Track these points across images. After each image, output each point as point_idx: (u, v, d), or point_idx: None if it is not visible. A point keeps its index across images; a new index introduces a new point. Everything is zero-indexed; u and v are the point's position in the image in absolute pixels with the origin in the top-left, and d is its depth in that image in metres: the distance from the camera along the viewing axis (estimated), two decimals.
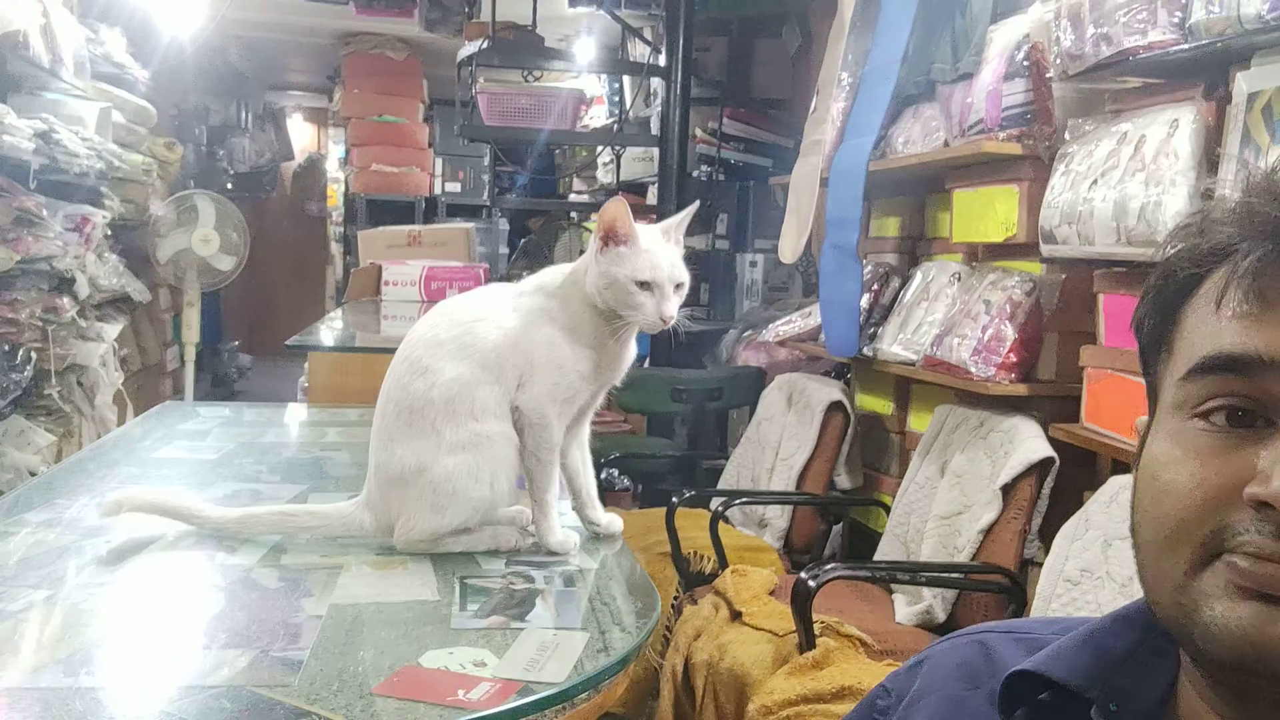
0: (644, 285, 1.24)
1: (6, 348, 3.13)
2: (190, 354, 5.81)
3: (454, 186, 6.56)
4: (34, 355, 3.18)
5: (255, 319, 8.73)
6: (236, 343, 7.86)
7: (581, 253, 4.51)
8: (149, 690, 0.84)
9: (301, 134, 9.79)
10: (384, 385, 1.28)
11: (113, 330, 4.01)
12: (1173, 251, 0.62)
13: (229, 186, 7.74)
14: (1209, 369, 0.57)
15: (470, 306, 1.29)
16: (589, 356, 1.27)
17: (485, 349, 1.24)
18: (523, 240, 5.17)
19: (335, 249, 9.98)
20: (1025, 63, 2.36)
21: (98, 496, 1.39)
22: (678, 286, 1.27)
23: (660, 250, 1.26)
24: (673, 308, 1.26)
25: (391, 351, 2.41)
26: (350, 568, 1.17)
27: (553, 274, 1.33)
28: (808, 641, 2.09)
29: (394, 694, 0.85)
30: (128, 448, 1.74)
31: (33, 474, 3.02)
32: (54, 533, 1.26)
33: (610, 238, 1.25)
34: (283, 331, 9.82)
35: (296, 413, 2.16)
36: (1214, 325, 0.57)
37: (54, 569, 1.13)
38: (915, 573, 2.30)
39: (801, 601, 2.09)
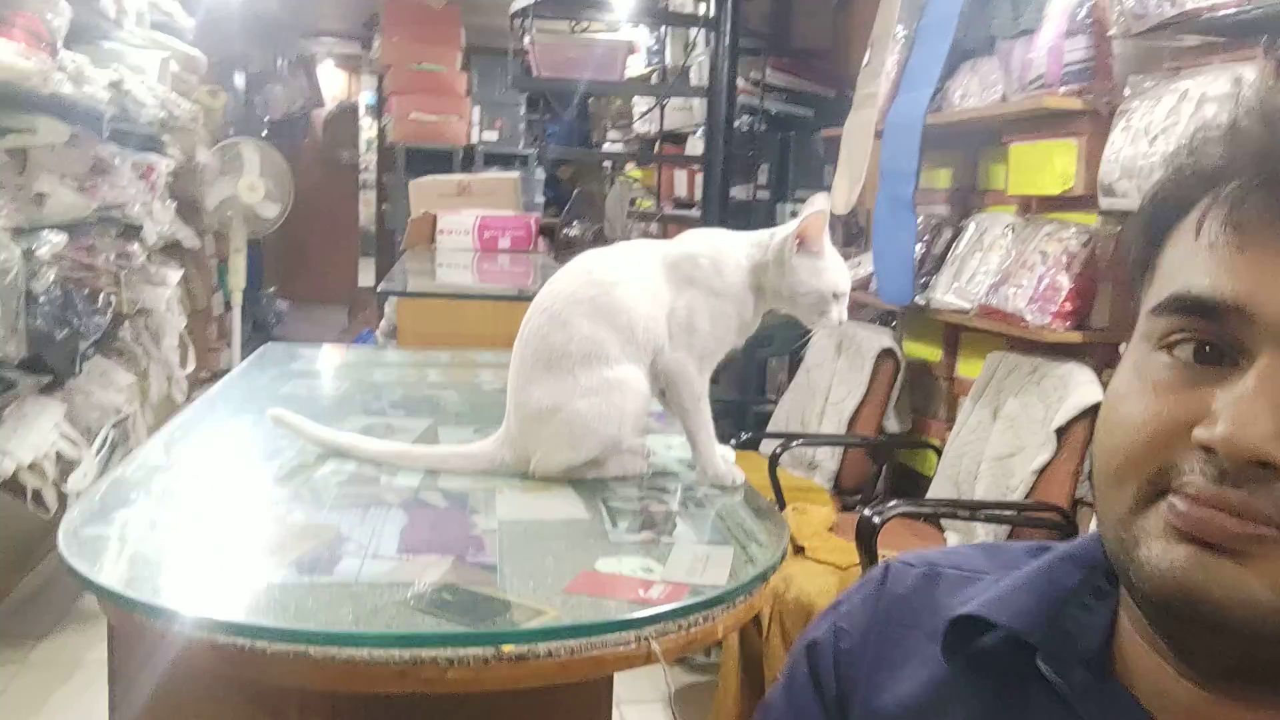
0: (837, 296, 1.35)
1: (86, 292, 3.25)
2: (237, 299, 5.94)
3: (491, 135, 6.62)
4: (112, 299, 3.31)
5: (290, 266, 8.85)
6: (274, 288, 7.99)
7: (632, 202, 4.56)
8: (379, 586, 0.97)
9: (332, 81, 9.83)
10: (522, 331, 1.38)
11: (175, 275, 4.13)
12: (1167, 174, 0.59)
13: (264, 134, 7.82)
14: (1176, 308, 0.55)
15: (611, 267, 1.37)
16: (726, 325, 1.37)
17: (620, 312, 1.33)
18: (575, 191, 5.25)
19: (363, 197, 10.06)
20: (1087, 20, 2.43)
21: (251, 429, 1.52)
22: None
23: (838, 256, 1.37)
24: (845, 312, 1.37)
25: (477, 298, 2.53)
26: (502, 490, 1.29)
27: (703, 243, 1.40)
28: None
29: (585, 591, 0.98)
30: (253, 386, 1.87)
31: (118, 411, 3.17)
32: (230, 459, 1.39)
33: (804, 243, 1.33)
34: (316, 278, 9.87)
35: (391, 355, 2.28)
36: (1190, 258, 0.55)
37: (244, 489, 1.26)
38: (975, 510, 2.43)
39: (867, 536, 2.21)
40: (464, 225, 3.99)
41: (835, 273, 1.34)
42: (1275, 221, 0.52)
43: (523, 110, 6.76)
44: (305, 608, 0.92)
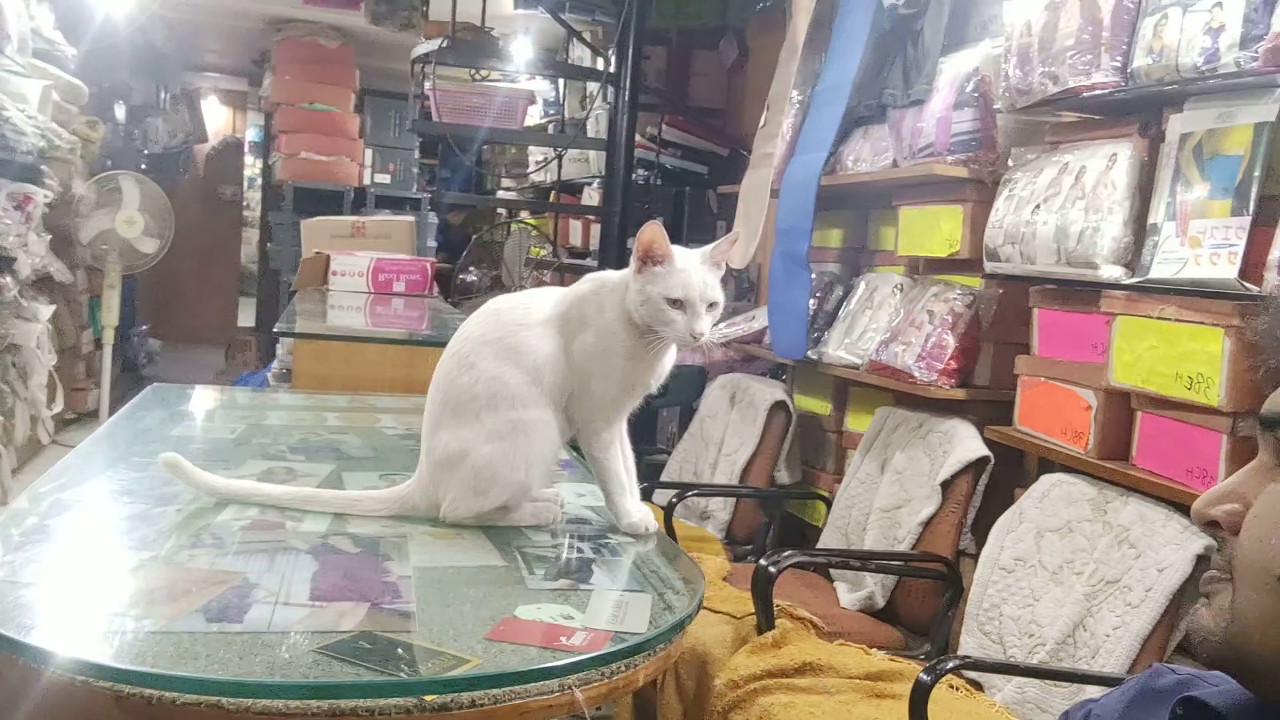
0: (676, 303, 1.31)
1: None
2: (109, 337, 5.70)
3: (384, 178, 6.56)
4: None
5: (164, 304, 8.54)
6: (145, 327, 7.70)
7: (531, 250, 4.59)
8: (293, 635, 0.94)
9: (215, 116, 9.61)
10: (435, 376, 1.38)
11: (46, 311, 3.95)
12: None
13: (143, 167, 7.59)
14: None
15: (516, 311, 1.39)
16: (623, 367, 1.36)
17: (524, 353, 1.34)
18: (472, 236, 5.22)
19: (244, 235, 9.83)
20: (974, 94, 2.57)
21: (143, 472, 1.46)
22: (711, 305, 1.34)
23: (694, 270, 1.33)
24: (703, 325, 1.33)
25: (378, 341, 2.49)
26: (414, 537, 1.27)
27: (592, 283, 1.42)
28: (767, 623, 2.24)
29: (506, 639, 0.97)
30: (142, 429, 1.80)
31: None
32: (125, 503, 1.33)
33: (648, 258, 1.33)
34: (191, 317, 9.53)
35: (286, 398, 2.22)
36: None
37: (142, 534, 1.21)
38: (866, 560, 2.49)
39: (762, 586, 2.24)
40: (358, 267, 3.93)
41: (674, 278, 1.31)
42: None
43: (416, 154, 6.73)
44: (216, 657, 0.89)
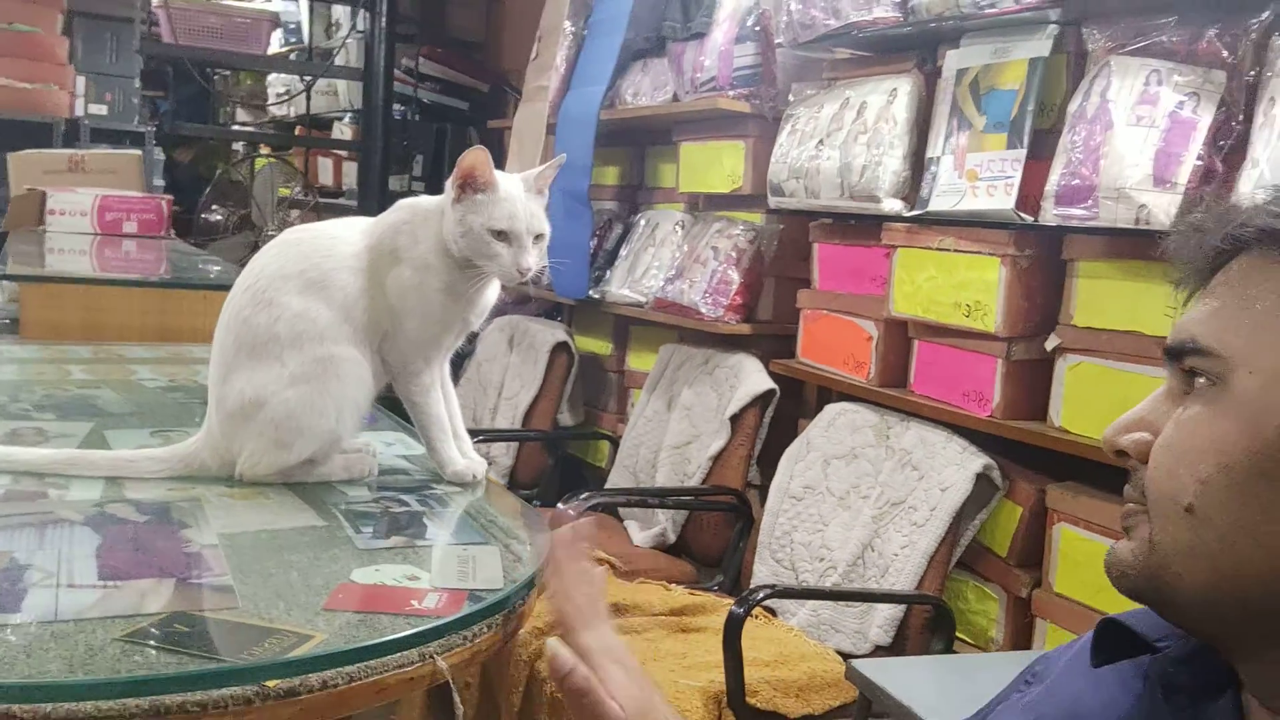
0: (500, 235, 1.20)
1: None
2: None
3: (100, 109, 5.89)
4: None
5: None
6: None
7: (284, 187, 4.25)
8: (89, 622, 0.78)
9: None
10: (222, 318, 1.21)
11: None
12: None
13: None
14: None
15: (318, 243, 1.24)
16: (442, 303, 1.24)
17: (333, 289, 1.20)
18: (219, 173, 4.77)
19: None
20: (756, 28, 2.56)
21: None
22: (537, 237, 1.24)
23: (520, 199, 1.23)
24: (530, 259, 1.22)
25: (124, 285, 2.21)
26: (209, 500, 1.11)
27: (404, 210, 1.28)
28: None
29: (349, 608, 0.85)
30: None
31: None
32: None
33: (468, 184, 1.21)
34: None
35: (16, 350, 1.93)
36: None
37: None
38: (663, 497, 2.48)
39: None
40: (81, 205, 3.51)
41: (498, 208, 1.21)
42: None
43: (138, 84, 6.09)
44: None
